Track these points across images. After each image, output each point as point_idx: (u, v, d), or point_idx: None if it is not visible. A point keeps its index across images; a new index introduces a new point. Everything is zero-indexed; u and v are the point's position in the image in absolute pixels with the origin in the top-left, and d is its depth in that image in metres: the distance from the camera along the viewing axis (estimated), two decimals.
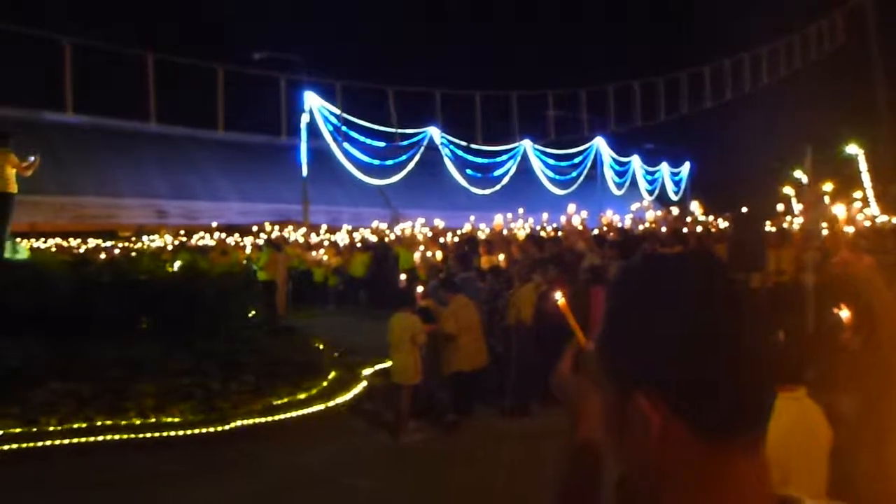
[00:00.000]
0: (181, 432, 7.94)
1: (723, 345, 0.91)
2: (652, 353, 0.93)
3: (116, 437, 7.72)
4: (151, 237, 25.50)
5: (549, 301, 9.59)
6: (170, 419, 8.19)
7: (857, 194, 20.94)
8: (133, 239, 26.00)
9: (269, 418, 8.46)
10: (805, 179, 19.56)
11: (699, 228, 18.44)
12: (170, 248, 21.79)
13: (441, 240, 19.00)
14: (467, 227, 22.20)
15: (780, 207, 22.71)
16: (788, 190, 23.27)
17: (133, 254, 18.33)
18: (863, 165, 25.63)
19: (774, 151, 28.59)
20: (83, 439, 7.61)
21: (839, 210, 7.68)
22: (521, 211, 22.77)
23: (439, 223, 23.20)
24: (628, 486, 1.02)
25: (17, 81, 24.84)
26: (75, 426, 7.81)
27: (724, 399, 0.90)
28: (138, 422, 8.07)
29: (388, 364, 8.95)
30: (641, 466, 0.96)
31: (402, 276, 11.16)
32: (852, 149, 26.06)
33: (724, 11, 34.25)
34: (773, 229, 18.09)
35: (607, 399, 1.00)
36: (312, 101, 28.90)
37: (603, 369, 1.01)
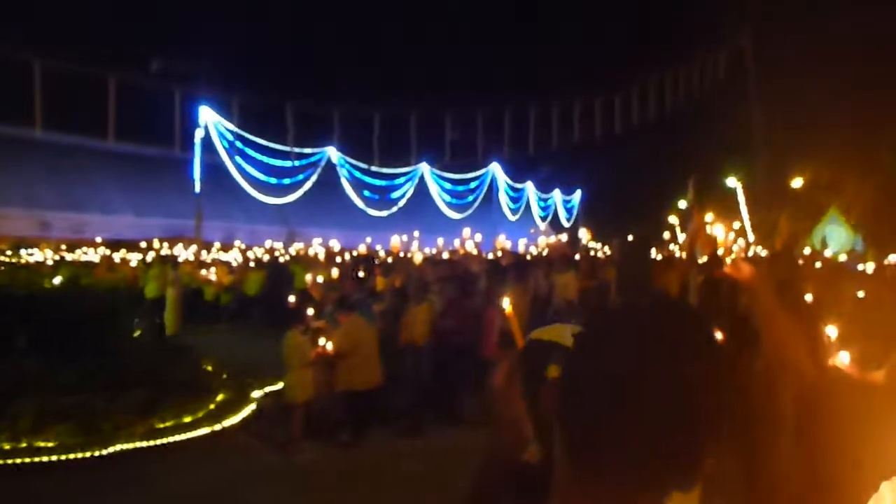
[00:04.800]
0: (57, 457, 7.58)
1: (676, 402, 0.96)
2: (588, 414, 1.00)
3: None
4: (30, 251, 24.23)
5: (447, 320, 9.75)
6: (46, 443, 7.80)
7: (736, 224, 22.16)
8: (10, 252, 24.63)
9: (154, 442, 8.17)
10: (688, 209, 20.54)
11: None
12: (50, 262, 20.80)
13: (337, 259, 18.92)
14: (362, 248, 22.21)
15: (667, 235, 23.79)
16: (673, 219, 24.42)
17: (4, 268, 17.41)
18: (741, 197, 27.07)
19: (660, 181, 29.91)
20: None
21: (718, 230, 8.10)
22: (416, 233, 22.95)
23: (335, 243, 23.10)
24: None
25: None
26: None
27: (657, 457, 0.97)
28: (8, 447, 7.65)
29: (281, 384, 8.87)
30: None
31: (291, 297, 11.08)
32: (731, 182, 27.56)
33: (613, 45, 35.83)
34: (660, 256, 18.93)
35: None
36: (207, 116, 28.30)
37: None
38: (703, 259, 11.02)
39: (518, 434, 1.40)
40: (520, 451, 1.41)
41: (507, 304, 1.87)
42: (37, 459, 7.46)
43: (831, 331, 3.83)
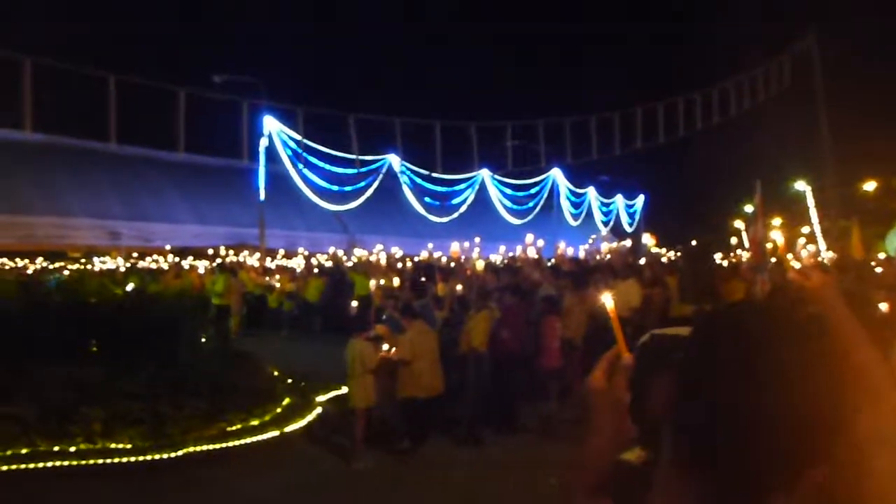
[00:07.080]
0: (130, 458, 7.79)
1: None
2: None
3: (61, 463, 7.55)
4: (103, 258, 25.03)
5: (504, 329, 9.69)
6: (118, 445, 8.03)
7: (805, 229, 21.49)
8: (83, 260, 25.49)
9: (221, 444, 8.34)
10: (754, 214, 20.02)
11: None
12: (122, 269, 21.44)
13: (399, 266, 18.99)
14: (424, 255, 22.27)
15: (734, 241, 23.24)
16: (739, 224, 23.83)
17: (78, 275, 18.02)
18: (810, 201, 26.27)
19: (726, 187, 29.26)
20: (26, 465, 7.43)
21: (776, 235, 7.81)
22: (477, 240, 22.91)
23: (396, 250, 23.23)
24: None
25: None
26: (18, 452, 7.62)
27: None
28: (85, 447, 7.90)
29: (344, 390, 8.95)
30: None
31: (354, 303, 11.18)
32: (800, 185, 26.75)
33: (678, 53, 35.24)
34: (725, 262, 18.47)
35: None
36: (272, 125, 28.83)
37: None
38: (769, 265, 10.69)
39: (616, 434, 1.37)
40: (618, 451, 1.38)
41: (609, 301, 1.74)
42: (108, 461, 7.68)
43: None
